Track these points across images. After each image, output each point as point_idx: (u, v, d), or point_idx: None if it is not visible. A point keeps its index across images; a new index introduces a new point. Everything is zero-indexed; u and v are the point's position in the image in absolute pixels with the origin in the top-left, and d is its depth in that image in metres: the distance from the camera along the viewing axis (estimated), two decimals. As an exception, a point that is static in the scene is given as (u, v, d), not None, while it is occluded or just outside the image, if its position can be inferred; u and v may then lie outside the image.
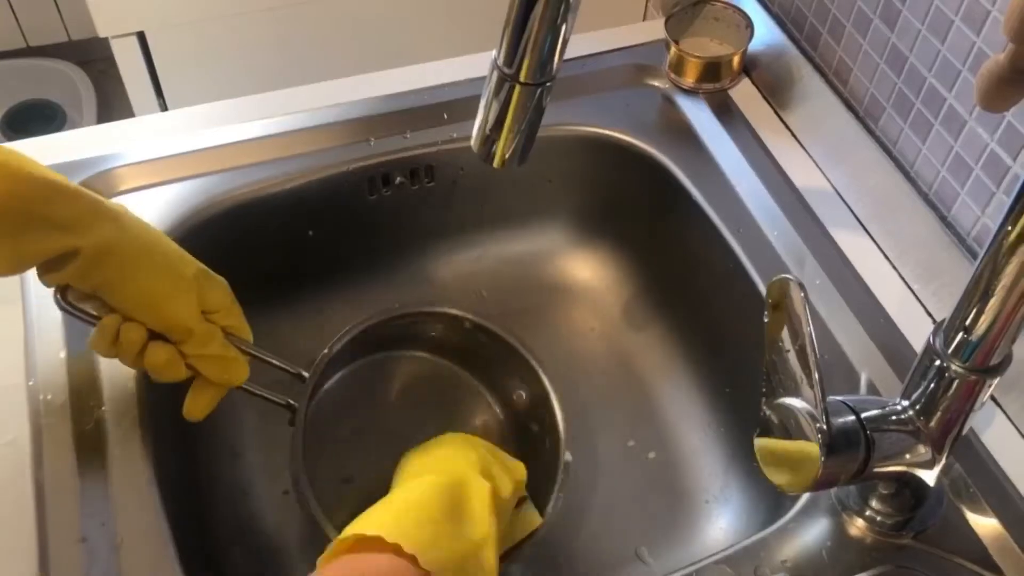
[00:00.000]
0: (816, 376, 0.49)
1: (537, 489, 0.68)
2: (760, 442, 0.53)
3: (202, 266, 0.62)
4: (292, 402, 0.65)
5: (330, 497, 0.64)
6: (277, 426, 0.66)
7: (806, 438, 0.50)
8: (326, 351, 0.67)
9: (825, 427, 0.49)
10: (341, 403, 0.72)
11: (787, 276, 0.50)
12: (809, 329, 0.49)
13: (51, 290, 0.59)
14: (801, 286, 0.50)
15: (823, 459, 0.50)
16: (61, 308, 0.59)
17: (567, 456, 0.68)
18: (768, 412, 0.52)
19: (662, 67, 0.87)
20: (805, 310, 0.49)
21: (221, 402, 0.64)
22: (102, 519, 0.58)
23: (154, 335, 0.59)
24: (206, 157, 0.78)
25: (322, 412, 0.69)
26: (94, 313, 0.59)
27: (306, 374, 0.65)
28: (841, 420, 0.52)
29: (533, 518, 0.66)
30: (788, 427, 0.51)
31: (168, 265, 0.60)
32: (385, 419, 0.74)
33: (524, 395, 0.73)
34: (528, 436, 0.73)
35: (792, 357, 0.51)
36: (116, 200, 0.74)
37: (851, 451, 0.52)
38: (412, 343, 0.75)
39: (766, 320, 0.52)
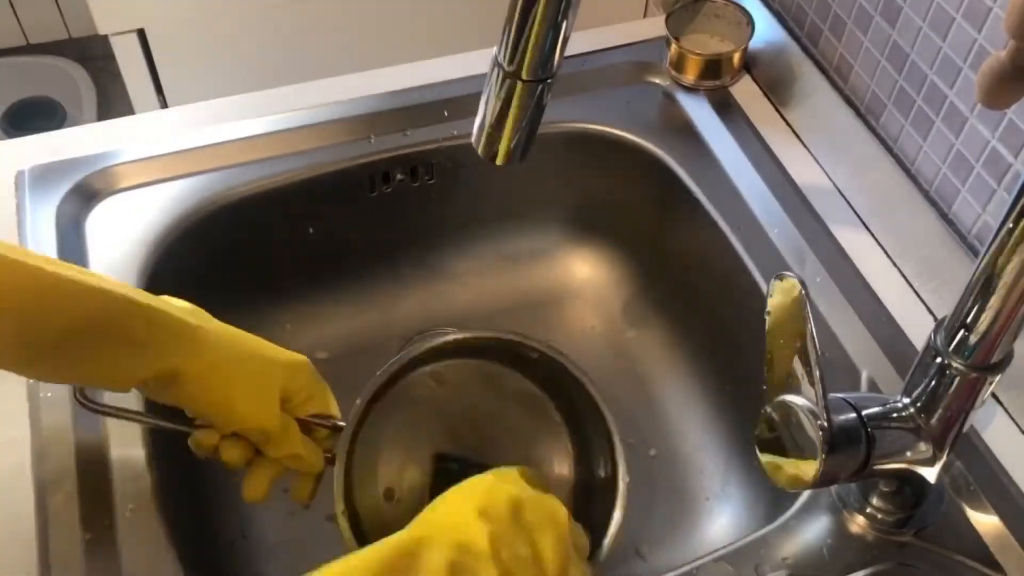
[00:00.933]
0: (817, 373, 0.49)
1: None
2: (761, 439, 0.53)
3: (286, 357, 0.59)
4: (341, 423, 0.61)
5: (367, 509, 0.61)
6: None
7: (807, 435, 0.50)
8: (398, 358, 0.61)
9: (826, 424, 0.49)
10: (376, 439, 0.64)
11: (788, 273, 0.50)
12: (810, 326, 0.49)
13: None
14: (802, 283, 0.49)
15: (824, 456, 0.50)
16: (81, 405, 0.57)
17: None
18: (769, 409, 0.52)
19: (663, 64, 0.87)
20: (806, 307, 0.49)
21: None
22: (103, 520, 0.58)
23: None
24: (206, 154, 0.78)
25: (379, 426, 0.63)
26: (115, 408, 0.58)
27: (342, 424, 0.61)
28: (842, 417, 0.52)
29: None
30: (789, 424, 0.51)
31: (254, 375, 0.57)
32: (454, 437, 0.66)
33: (604, 468, 0.64)
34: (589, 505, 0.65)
35: (793, 354, 0.51)
36: (112, 199, 0.75)
37: (852, 448, 0.52)
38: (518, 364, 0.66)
39: (767, 317, 0.52)
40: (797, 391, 0.51)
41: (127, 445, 0.61)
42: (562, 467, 0.66)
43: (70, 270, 0.51)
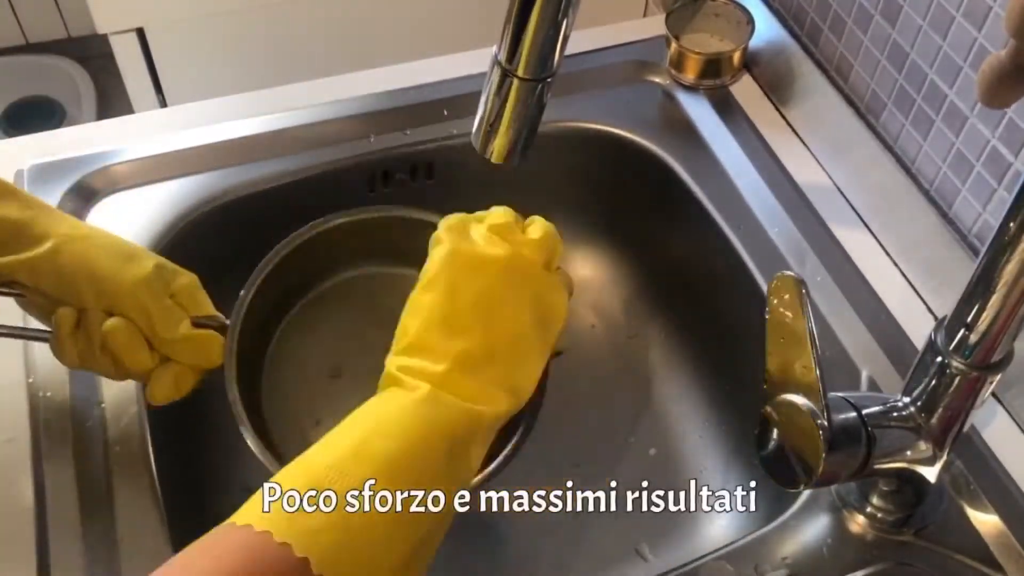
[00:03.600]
0: (817, 372, 0.49)
1: None
2: (761, 439, 0.53)
3: (164, 260, 0.60)
4: (225, 321, 0.61)
5: (297, 441, 0.60)
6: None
7: (807, 435, 0.50)
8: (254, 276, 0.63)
9: (826, 424, 0.49)
10: (310, 339, 0.66)
11: (788, 273, 0.50)
12: (810, 325, 0.49)
13: None
14: (802, 282, 0.49)
15: (824, 456, 0.50)
16: None
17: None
18: (769, 409, 0.52)
19: (663, 63, 0.87)
20: (807, 306, 0.49)
21: (223, 400, 0.64)
22: (102, 517, 0.58)
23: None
24: (205, 154, 0.77)
25: (291, 347, 0.65)
26: (15, 291, 0.58)
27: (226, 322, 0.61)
28: (842, 417, 0.52)
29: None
30: (789, 424, 0.51)
31: (113, 246, 0.58)
32: (360, 349, 0.65)
33: None
34: None
35: (792, 353, 0.51)
36: (111, 198, 0.75)
37: (852, 448, 0.52)
38: (375, 257, 0.68)
39: (767, 317, 0.52)
40: (797, 390, 0.51)
41: (127, 442, 0.62)
42: None
43: None
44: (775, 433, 0.52)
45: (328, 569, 0.42)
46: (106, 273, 0.56)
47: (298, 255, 0.65)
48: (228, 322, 0.61)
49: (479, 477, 0.56)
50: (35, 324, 0.61)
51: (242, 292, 0.62)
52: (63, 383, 0.64)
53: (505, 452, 0.58)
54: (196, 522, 0.57)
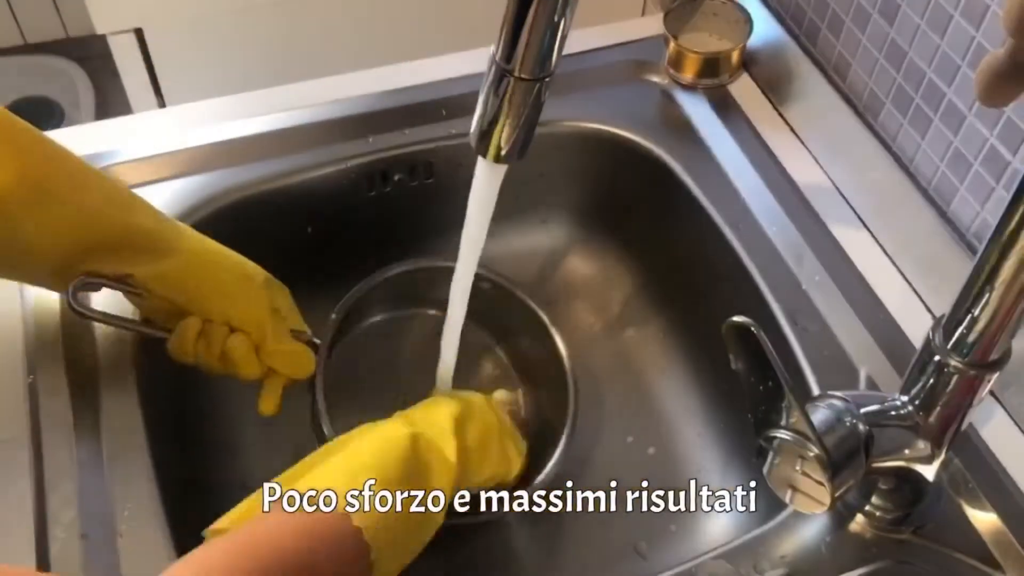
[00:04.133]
0: (798, 407, 0.49)
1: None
2: (770, 476, 0.53)
3: (266, 272, 0.66)
4: (316, 340, 0.68)
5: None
6: (276, 423, 0.66)
7: (807, 466, 0.50)
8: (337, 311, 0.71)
9: (823, 455, 0.49)
10: (354, 363, 0.75)
11: (735, 319, 0.50)
12: (774, 361, 0.49)
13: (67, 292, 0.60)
14: (754, 325, 0.49)
15: (830, 482, 0.50)
16: (73, 311, 0.60)
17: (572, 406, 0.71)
18: (763, 443, 0.52)
19: (661, 63, 0.87)
20: (766, 344, 0.49)
21: (222, 399, 0.64)
22: (101, 515, 0.58)
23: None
24: (204, 154, 0.77)
25: (336, 371, 0.70)
26: (109, 315, 0.62)
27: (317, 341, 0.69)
28: (836, 435, 0.51)
29: (517, 460, 0.68)
30: (788, 457, 0.51)
31: (237, 267, 0.64)
32: (398, 378, 0.76)
33: (530, 344, 0.76)
34: (537, 386, 0.76)
35: (771, 392, 0.51)
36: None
37: (853, 460, 0.52)
38: (419, 301, 0.78)
39: (734, 367, 0.52)
40: (785, 422, 0.51)
41: (127, 437, 0.62)
42: (498, 368, 0.80)
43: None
44: (777, 465, 0.52)
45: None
46: (231, 291, 0.63)
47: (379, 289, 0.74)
48: (311, 335, 0.69)
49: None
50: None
51: (333, 315, 0.71)
52: (63, 382, 0.64)
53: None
54: (196, 519, 0.58)
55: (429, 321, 0.79)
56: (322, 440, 0.65)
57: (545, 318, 0.75)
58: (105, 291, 0.62)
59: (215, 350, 0.62)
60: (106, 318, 0.63)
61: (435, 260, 0.76)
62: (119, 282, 0.60)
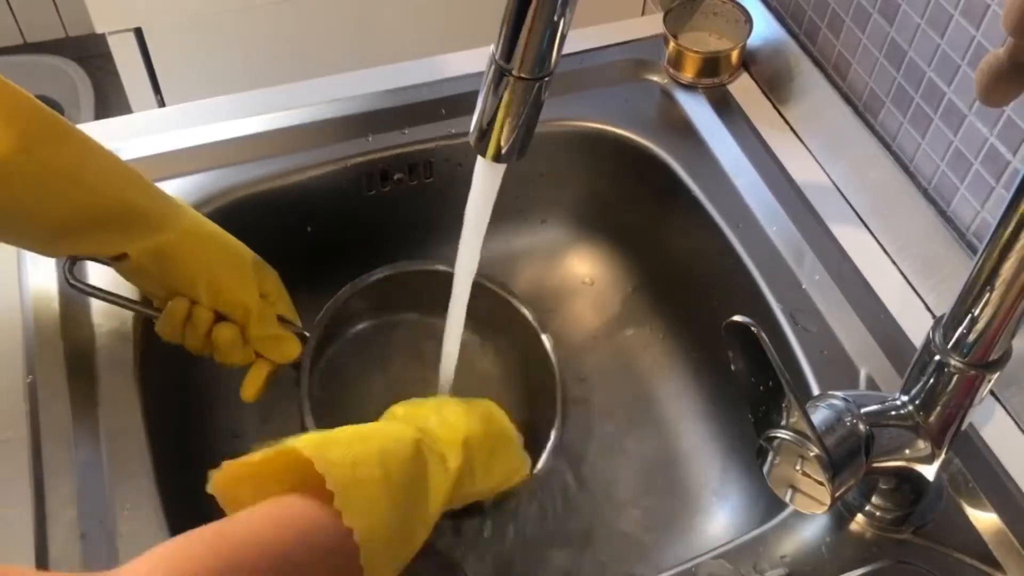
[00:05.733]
0: (798, 407, 0.49)
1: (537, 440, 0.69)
2: (770, 476, 0.53)
3: (256, 255, 0.66)
4: (306, 333, 0.68)
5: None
6: (278, 409, 0.66)
7: (807, 466, 0.50)
8: (326, 310, 0.71)
9: (824, 455, 0.49)
10: (345, 367, 0.74)
11: (738, 318, 0.50)
12: (774, 361, 0.49)
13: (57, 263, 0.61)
14: (753, 324, 0.49)
15: (831, 482, 0.49)
16: (70, 285, 0.61)
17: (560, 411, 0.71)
18: (763, 443, 0.52)
19: (661, 62, 0.87)
20: (766, 344, 0.49)
21: (223, 386, 0.65)
22: (100, 515, 0.58)
23: (218, 318, 0.63)
24: (203, 153, 0.77)
25: (327, 375, 0.71)
26: (105, 291, 0.62)
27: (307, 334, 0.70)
28: (836, 435, 0.51)
29: (522, 467, 0.66)
30: (788, 457, 0.51)
31: (228, 249, 0.64)
32: (389, 381, 0.76)
33: (520, 346, 0.76)
34: (528, 385, 0.76)
35: (771, 392, 0.50)
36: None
37: (853, 460, 0.52)
38: (407, 305, 0.77)
39: (734, 367, 0.52)
40: (786, 422, 0.51)
41: (126, 436, 0.62)
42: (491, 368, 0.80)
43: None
44: (778, 464, 0.52)
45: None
46: (220, 270, 0.63)
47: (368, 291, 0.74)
48: (301, 328, 0.69)
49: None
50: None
51: (328, 303, 0.72)
52: (62, 382, 0.64)
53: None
54: (195, 516, 0.58)
55: (414, 326, 0.78)
56: None
57: (530, 316, 0.75)
58: (103, 270, 0.63)
59: (200, 332, 0.63)
60: (102, 294, 0.63)
61: (418, 264, 0.76)
62: (115, 261, 0.61)
